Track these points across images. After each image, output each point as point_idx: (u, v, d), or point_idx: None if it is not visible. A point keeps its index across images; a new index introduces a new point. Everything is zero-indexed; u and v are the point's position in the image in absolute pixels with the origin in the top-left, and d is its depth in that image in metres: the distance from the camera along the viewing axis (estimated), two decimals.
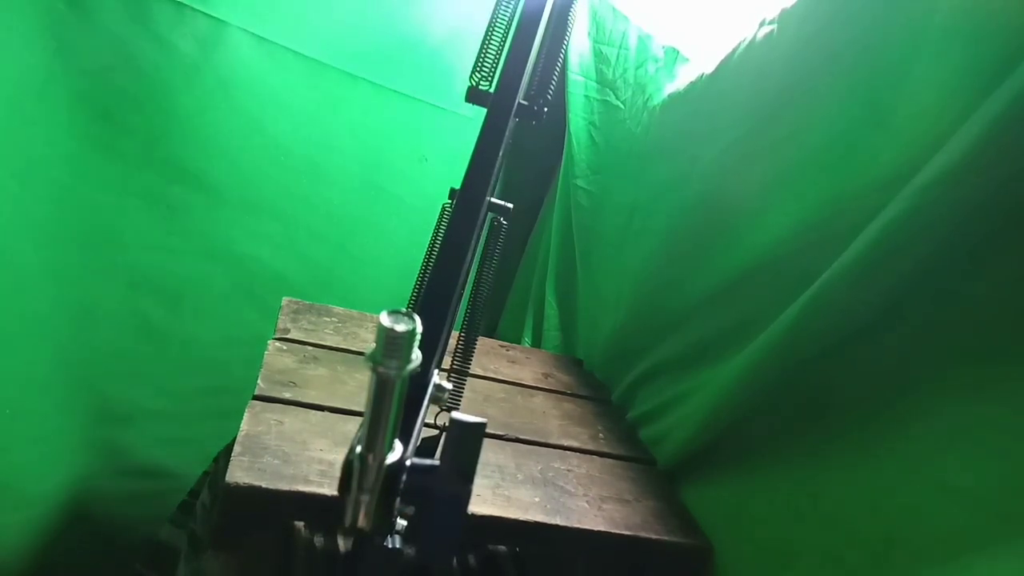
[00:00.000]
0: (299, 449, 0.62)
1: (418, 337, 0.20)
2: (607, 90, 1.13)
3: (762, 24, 0.78)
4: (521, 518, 0.62)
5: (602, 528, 0.64)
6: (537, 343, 1.24)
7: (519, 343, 1.24)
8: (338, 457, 0.62)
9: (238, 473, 0.56)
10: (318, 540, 0.66)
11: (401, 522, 0.25)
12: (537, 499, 0.65)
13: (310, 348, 0.82)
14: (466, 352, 0.45)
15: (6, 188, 0.89)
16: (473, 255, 0.30)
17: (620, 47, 1.10)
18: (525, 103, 0.36)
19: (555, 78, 0.36)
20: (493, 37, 0.36)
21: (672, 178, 0.92)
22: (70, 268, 1.01)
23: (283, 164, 1.15)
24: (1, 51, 0.85)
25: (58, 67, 0.91)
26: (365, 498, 0.23)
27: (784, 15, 0.75)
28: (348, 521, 0.23)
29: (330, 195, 1.22)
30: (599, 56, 1.14)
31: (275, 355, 0.77)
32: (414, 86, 1.21)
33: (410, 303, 0.30)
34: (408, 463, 0.24)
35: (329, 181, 1.21)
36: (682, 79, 0.95)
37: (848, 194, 0.63)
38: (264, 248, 1.19)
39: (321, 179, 1.20)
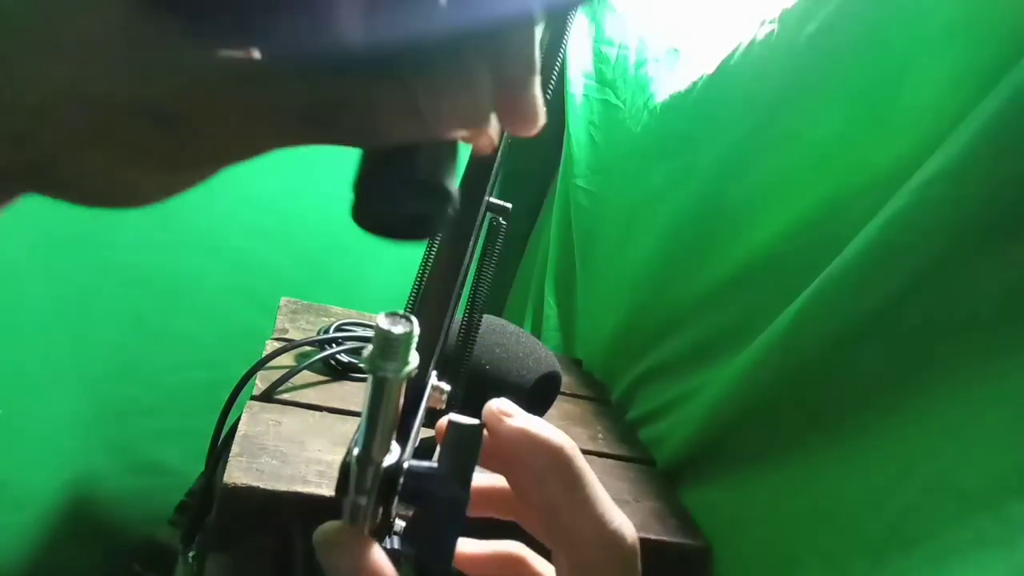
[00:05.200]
0: (297, 449, 0.61)
1: (416, 339, 0.20)
2: (607, 90, 1.12)
3: (762, 24, 0.78)
4: None
5: None
6: None
7: None
8: (336, 458, 0.62)
9: (236, 474, 0.55)
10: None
11: (400, 523, 0.25)
12: None
13: (308, 348, 0.81)
14: (465, 351, 0.45)
15: None
16: (472, 256, 0.30)
17: (619, 47, 1.10)
18: None
19: (554, 77, 0.35)
20: None
21: (672, 178, 0.92)
22: (65, 266, 1.01)
23: (276, 158, 1.15)
24: None
25: None
26: (363, 500, 0.22)
27: (784, 15, 0.75)
28: (346, 523, 0.23)
29: (324, 189, 1.22)
30: (599, 55, 1.14)
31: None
32: None
33: (408, 305, 0.30)
34: (406, 465, 0.23)
35: (323, 175, 1.21)
36: (682, 79, 0.94)
37: (848, 192, 0.63)
38: (259, 242, 1.19)
39: (314, 173, 1.20)
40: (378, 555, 0.22)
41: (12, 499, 1.00)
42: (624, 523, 0.26)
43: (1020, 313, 0.48)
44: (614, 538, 0.25)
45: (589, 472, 0.26)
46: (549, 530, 0.26)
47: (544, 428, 0.26)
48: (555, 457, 0.25)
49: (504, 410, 0.27)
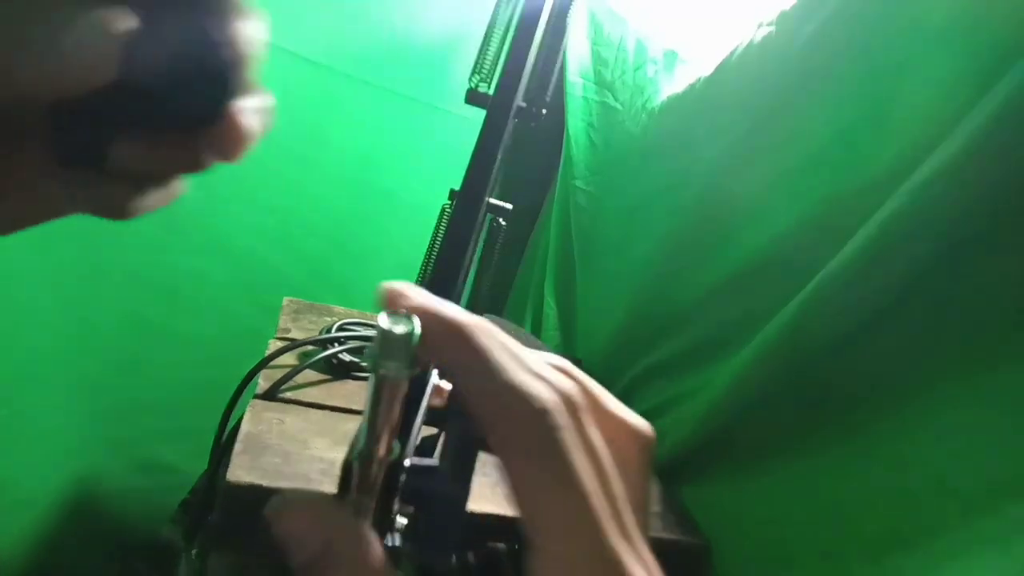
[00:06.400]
0: (300, 448, 0.62)
1: (417, 338, 0.20)
2: (606, 92, 1.13)
3: (760, 26, 0.78)
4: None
5: None
6: None
7: None
8: (339, 456, 0.62)
9: (239, 472, 0.56)
10: None
11: (401, 520, 0.26)
12: None
13: (311, 347, 0.82)
14: None
15: None
16: (472, 256, 0.30)
17: (618, 49, 1.10)
18: (524, 105, 0.36)
19: (553, 80, 0.36)
20: (492, 39, 0.36)
21: (671, 179, 0.92)
22: (66, 265, 1.01)
23: (278, 160, 1.16)
24: None
25: None
26: (364, 498, 0.23)
27: (782, 17, 0.75)
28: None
29: (325, 191, 1.23)
30: (597, 58, 1.14)
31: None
32: (407, 85, 1.22)
33: None
34: (407, 463, 0.24)
35: (324, 177, 1.22)
36: (681, 81, 0.95)
37: (847, 193, 0.63)
38: (260, 243, 1.20)
39: (316, 175, 1.21)
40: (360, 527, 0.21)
41: (14, 499, 1.01)
42: (549, 383, 0.21)
43: (1018, 313, 0.48)
44: (525, 397, 0.20)
45: (496, 345, 0.22)
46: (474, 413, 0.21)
47: (442, 306, 0.22)
48: (450, 332, 0.21)
49: (399, 290, 0.22)
